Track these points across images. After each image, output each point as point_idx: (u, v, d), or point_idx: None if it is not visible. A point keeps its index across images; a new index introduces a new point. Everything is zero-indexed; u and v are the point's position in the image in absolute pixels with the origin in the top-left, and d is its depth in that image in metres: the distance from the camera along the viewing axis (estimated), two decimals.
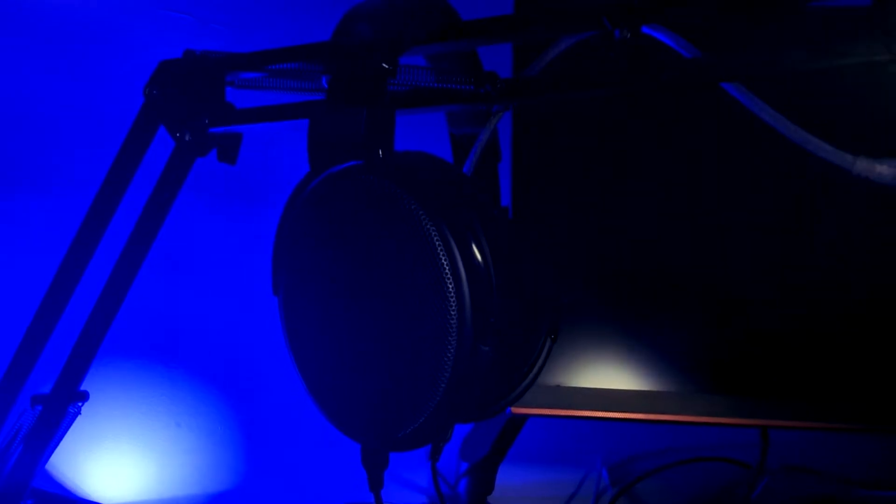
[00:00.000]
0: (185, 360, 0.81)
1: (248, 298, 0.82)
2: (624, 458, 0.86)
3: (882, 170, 0.43)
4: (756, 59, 0.44)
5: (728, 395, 0.68)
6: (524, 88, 0.48)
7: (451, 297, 0.37)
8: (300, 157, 0.79)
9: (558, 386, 0.68)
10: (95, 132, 0.80)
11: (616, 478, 0.85)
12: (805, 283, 0.67)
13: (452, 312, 0.37)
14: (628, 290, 0.69)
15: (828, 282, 0.67)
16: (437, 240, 0.37)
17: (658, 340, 0.69)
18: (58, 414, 0.54)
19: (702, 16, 0.47)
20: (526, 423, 0.80)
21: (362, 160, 0.39)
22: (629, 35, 0.45)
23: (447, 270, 0.37)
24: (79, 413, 0.56)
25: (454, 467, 0.83)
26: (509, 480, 0.82)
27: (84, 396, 0.56)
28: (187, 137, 0.53)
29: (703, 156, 0.68)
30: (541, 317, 0.46)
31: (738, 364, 0.68)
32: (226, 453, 0.82)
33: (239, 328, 0.82)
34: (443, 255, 0.37)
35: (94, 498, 0.78)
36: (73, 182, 0.79)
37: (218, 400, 0.82)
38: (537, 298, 0.45)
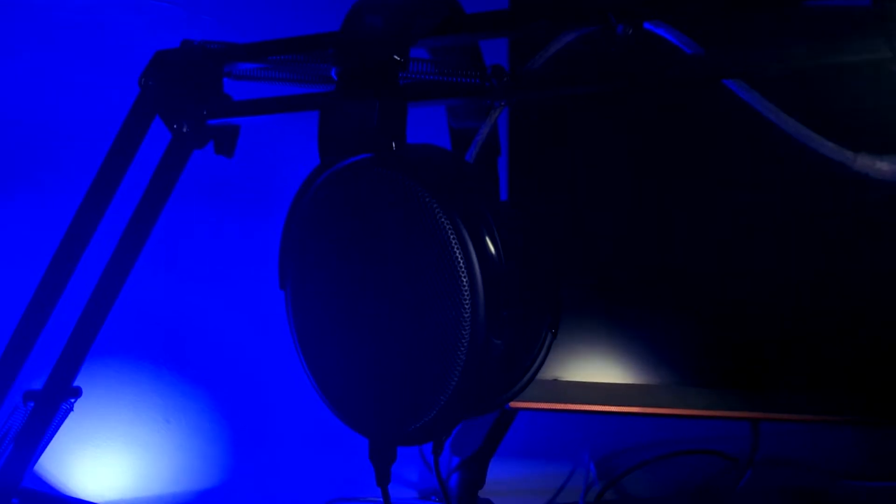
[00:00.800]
0: (173, 357, 0.80)
1: (238, 296, 0.81)
2: (611, 452, 0.86)
3: (882, 166, 0.44)
4: (758, 55, 0.44)
5: (715, 388, 0.69)
6: (530, 83, 0.48)
7: (465, 290, 0.37)
8: (292, 155, 0.79)
9: (556, 380, 0.68)
10: (77, 122, 0.78)
11: (604, 471, 0.86)
12: (794, 278, 0.68)
13: (466, 305, 0.37)
14: (621, 285, 0.70)
15: (815, 278, 0.68)
16: (451, 232, 0.37)
17: (649, 334, 0.69)
18: (50, 410, 0.53)
19: (703, 13, 0.47)
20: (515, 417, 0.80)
21: (375, 152, 0.39)
22: (631, 31, 0.45)
23: (461, 263, 0.37)
24: (71, 409, 0.55)
25: (445, 462, 0.83)
26: (499, 474, 0.83)
27: (77, 392, 0.55)
28: (185, 129, 0.53)
29: (699, 151, 0.69)
30: (542, 311, 0.46)
31: (726, 358, 0.69)
32: (214, 450, 0.81)
33: (228, 325, 0.81)
34: (457, 247, 0.37)
35: (81, 496, 0.76)
36: (64, 176, 0.77)
37: (206, 396, 0.81)
38: (540, 292, 0.45)
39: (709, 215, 0.69)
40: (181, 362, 0.80)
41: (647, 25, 0.48)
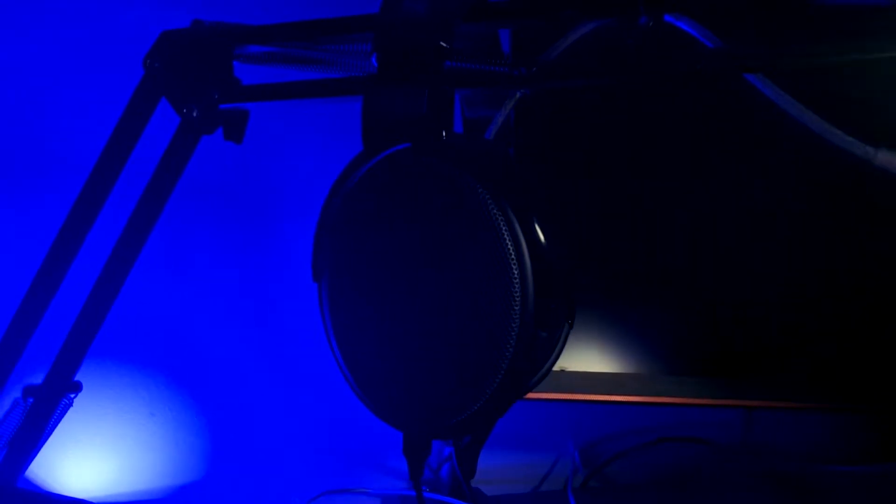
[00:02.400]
0: (157, 350, 0.77)
1: (223, 291, 0.79)
2: (595, 440, 0.87)
3: None
4: (780, 51, 0.45)
5: (704, 376, 0.70)
6: (556, 72, 0.48)
7: (516, 281, 0.37)
8: (276, 155, 0.76)
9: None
10: (68, 115, 0.75)
11: (588, 459, 0.87)
12: (780, 272, 0.70)
13: (516, 297, 0.37)
14: (616, 277, 0.70)
15: (801, 271, 0.69)
16: (503, 223, 0.36)
17: (643, 326, 0.70)
18: (50, 405, 0.51)
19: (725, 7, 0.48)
20: None
21: (422, 141, 0.38)
22: (652, 23, 0.45)
23: (512, 255, 0.37)
24: (71, 405, 0.53)
25: (436, 452, 0.83)
26: (484, 463, 0.83)
27: (77, 387, 0.52)
28: (195, 113, 0.50)
29: (694, 148, 0.70)
30: (562, 302, 0.46)
31: (714, 347, 0.70)
32: (200, 443, 0.79)
33: (213, 319, 0.79)
34: (508, 239, 0.37)
35: (64, 492, 0.73)
36: (61, 168, 0.73)
37: (191, 390, 0.79)
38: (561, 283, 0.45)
39: (702, 211, 0.69)
40: (165, 356, 0.78)
41: (667, 18, 0.48)
